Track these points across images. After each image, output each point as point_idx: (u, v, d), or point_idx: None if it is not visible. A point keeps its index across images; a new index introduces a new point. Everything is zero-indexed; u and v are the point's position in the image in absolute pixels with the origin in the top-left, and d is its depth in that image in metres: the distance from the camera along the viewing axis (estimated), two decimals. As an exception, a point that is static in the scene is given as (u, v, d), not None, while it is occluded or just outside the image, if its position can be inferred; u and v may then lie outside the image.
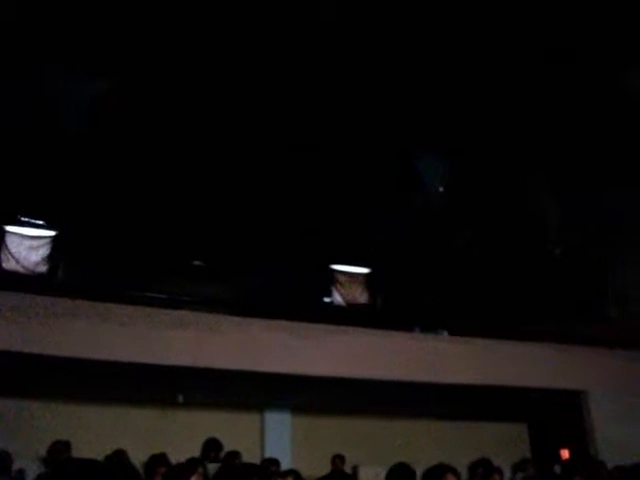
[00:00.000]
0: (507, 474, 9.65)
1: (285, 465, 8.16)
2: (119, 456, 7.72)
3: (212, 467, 7.11)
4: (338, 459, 10.08)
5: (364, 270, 13.76)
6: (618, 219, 13.21)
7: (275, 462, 8.22)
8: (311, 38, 10.70)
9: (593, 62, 11.07)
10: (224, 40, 10.65)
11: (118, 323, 8.93)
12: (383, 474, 5.55)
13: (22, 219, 12.00)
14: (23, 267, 11.54)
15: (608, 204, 13.42)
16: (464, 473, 7.93)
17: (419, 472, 5.40)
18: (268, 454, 9.63)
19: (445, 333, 11.55)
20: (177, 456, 6.64)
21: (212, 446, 8.98)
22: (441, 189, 13.57)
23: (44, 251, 11.54)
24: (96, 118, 11.13)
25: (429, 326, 11.62)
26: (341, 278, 13.42)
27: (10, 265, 11.54)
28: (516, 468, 9.54)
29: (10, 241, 11.70)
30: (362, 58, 11.09)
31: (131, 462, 7.57)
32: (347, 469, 10.07)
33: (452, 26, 10.72)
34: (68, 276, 11.15)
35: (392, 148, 13.11)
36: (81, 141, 11.23)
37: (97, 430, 9.47)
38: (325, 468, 9.77)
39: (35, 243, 11.66)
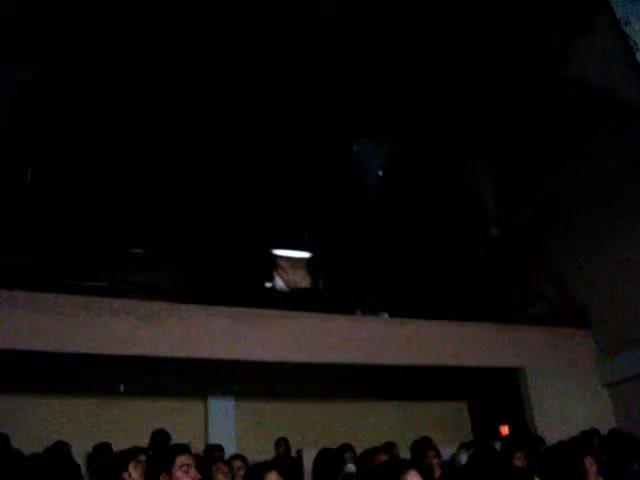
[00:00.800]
0: (448, 452, 9.82)
1: (230, 451, 8.18)
2: (59, 448, 7.62)
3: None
4: (282, 442, 10.13)
5: (305, 254, 13.77)
6: (556, 201, 13.49)
7: (220, 448, 8.23)
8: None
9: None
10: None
11: (56, 313, 8.78)
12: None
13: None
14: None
15: (547, 185, 13.71)
16: (406, 453, 8.06)
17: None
18: (212, 440, 9.63)
19: (385, 315, 11.67)
20: (121, 446, 6.59)
21: (160, 437, 8.91)
22: (380, 173, 13.66)
23: (-23, 241, 11.22)
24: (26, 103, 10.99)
25: (370, 308, 11.73)
26: (282, 263, 13.40)
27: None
28: (461, 447, 9.74)
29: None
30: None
31: (70, 454, 7.50)
32: (292, 453, 10.14)
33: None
34: (4, 266, 10.89)
35: (332, 132, 13.14)
36: (13, 124, 11.03)
37: (37, 422, 9.33)
38: (270, 453, 9.81)
39: (-33, 233, 11.32)
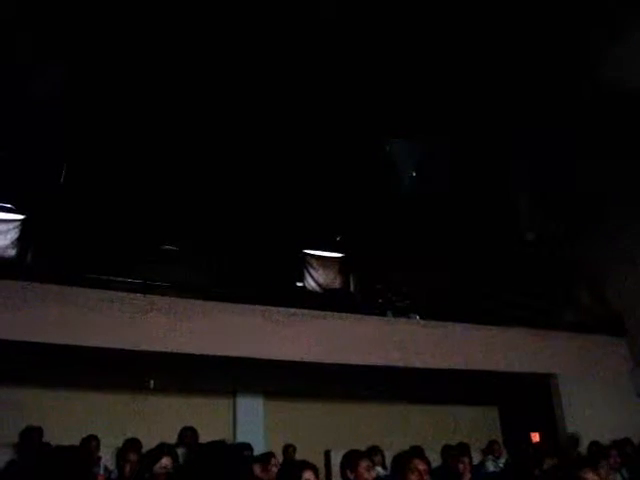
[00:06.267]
0: (478, 457, 9.74)
1: (258, 450, 8.15)
2: (86, 443, 7.69)
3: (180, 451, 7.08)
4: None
5: (337, 254, 13.75)
6: (591, 207, 13.31)
7: (248, 447, 8.19)
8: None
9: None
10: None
11: (88, 308, 8.84)
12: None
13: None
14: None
15: (582, 190, 13.53)
16: (436, 457, 7.99)
17: (390, 456, 5.42)
18: (240, 439, 9.62)
19: (417, 317, 11.59)
20: (150, 441, 6.60)
21: (188, 434, 8.91)
22: (413, 173, 13.59)
23: (13, 235, 11.35)
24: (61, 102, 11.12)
25: (401, 310, 11.66)
26: (314, 262, 13.39)
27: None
28: (486, 451, 9.65)
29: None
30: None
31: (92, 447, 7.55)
32: (319, 453, 10.09)
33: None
34: (37, 260, 10.99)
35: (365, 133, 13.11)
36: (49, 122, 11.13)
37: (69, 416, 9.41)
38: (298, 453, 9.78)
39: (4, 227, 11.44)
